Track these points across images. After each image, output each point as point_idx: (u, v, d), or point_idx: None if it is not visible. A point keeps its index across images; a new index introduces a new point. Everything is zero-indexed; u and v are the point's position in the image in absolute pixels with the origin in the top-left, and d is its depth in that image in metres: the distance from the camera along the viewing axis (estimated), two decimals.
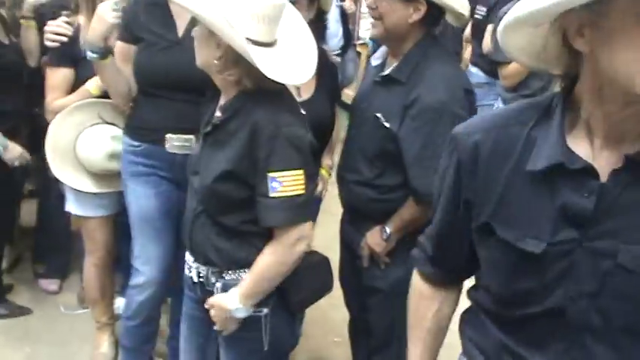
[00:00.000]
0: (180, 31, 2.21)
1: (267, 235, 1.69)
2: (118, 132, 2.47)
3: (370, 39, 2.12)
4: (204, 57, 1.70)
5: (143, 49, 2.22)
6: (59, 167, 2.52)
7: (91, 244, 2.71)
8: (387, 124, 1.96)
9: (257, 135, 1.60)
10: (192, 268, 1.82)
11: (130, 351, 2.55)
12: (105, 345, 2.84)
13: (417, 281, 1.35)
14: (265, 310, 1.73)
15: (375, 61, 2.18)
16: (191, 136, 2.16)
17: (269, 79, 1.60)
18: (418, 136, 1.92)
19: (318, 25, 2.24)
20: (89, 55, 2.21)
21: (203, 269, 1.78)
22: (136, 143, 2.30)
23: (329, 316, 2.98)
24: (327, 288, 1.92)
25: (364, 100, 2.13)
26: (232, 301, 1.69)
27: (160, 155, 2.25)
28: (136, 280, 2.39)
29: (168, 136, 2.23)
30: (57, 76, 2.57)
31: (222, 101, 1.75)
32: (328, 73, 2.30)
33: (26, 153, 2.85)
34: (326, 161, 2.62)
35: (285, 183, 1.60)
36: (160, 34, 2.20)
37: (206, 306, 1.76)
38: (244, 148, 1.62)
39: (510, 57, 1.11)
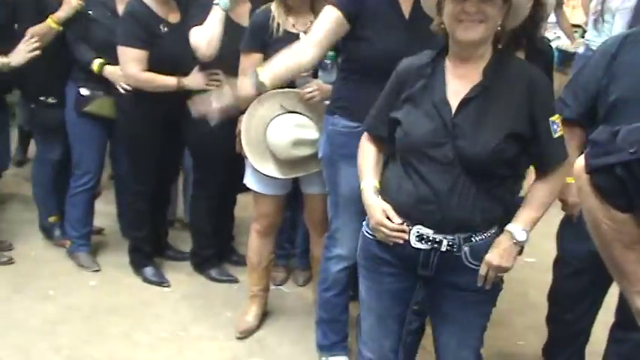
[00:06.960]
0: (407, 13, 2.28)
1: (513, 190, 1.96)
2: (301, 120, 2.63)
3: None
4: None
5: (374, 34, 2.25)
6: (254, 157, 2.69)
7: (258, 214, 2.90)
8: None
9: (535, 88, 1.85)
10: (431, 241, 1.87)
11: (329, 322, 2.68)
12: (251, 314, 3.01)
13: None
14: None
15: None
16: None
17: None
18: None
19: None
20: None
21: (450, 238, 1.88)
22: (354, 124, 2.31)
23: (512, 321, 3.20)
24: None
25: None
26: (520, 234, 1.87)
27: None
28: (335, 251, 2.55)
29: None
30: (248, 60, 2.67)
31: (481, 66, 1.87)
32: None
33: None
34: None
35: (559, 124, 1.89)
36: (391, 17, 2.25)
37: (484, 266, 1.88)
38: (523, 104, 1.83)
39: None
